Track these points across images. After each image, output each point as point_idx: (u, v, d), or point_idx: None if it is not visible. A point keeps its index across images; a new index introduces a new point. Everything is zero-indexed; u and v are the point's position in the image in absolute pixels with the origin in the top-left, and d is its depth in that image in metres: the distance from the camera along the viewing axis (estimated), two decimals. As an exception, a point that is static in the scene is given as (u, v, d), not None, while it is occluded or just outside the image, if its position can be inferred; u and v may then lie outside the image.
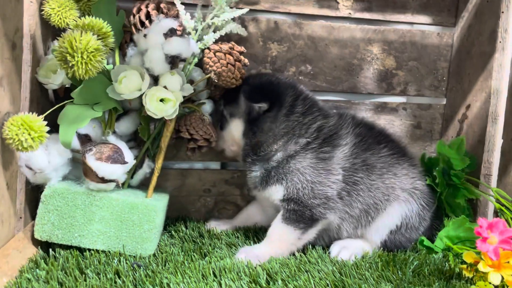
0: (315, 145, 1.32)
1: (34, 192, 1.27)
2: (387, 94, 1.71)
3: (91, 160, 1.17)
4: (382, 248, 1.38)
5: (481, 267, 1.08)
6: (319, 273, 1.16)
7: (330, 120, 1.38)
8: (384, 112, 1.71)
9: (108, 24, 1.18)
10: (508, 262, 1.07)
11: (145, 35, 1.24)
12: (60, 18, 1.21)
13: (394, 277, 1.17)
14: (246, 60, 1.41)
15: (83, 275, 1.07)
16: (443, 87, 1.73)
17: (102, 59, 1.12)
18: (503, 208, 1.27)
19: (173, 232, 1.43)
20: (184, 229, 1.46)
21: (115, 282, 1.04)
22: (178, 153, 1.59)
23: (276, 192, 1.32)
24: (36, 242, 1.22)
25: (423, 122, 1.74)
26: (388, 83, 1.70)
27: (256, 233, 1.47)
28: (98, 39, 1.14)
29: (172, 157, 1.59)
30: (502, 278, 1.08)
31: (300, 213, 1.29)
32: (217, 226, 1.51)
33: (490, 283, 1.07)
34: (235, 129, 1.40)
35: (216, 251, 1.29)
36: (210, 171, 1.63)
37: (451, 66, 1.71)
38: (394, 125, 1.72)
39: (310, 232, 1.32)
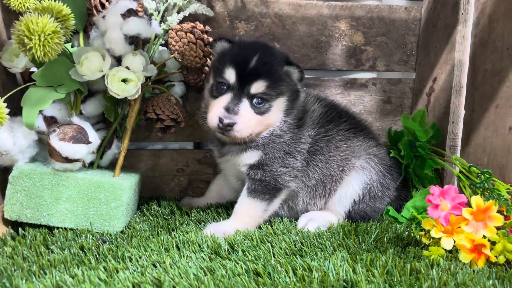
0: (297, 118, 1.37)
1: (4, 174, 1.30)
2: (356, 70, 1.73)
3: (55, 141, 1.20)
4: (347, 219, 1.42)
5: (433, 233, 1.11)
6: (281, 243, 1.19)
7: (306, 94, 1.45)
8: (353, 88, 1.73)
9: (69, 7, 1.20)
10: (460, 227, 1.10)
11: (104, 17, 1.26)
12: (20, 3, 1.22)
13: (355, 245, 1.20)
14: (211, 39, 1.43)
15: (48, 251, 1.11)
16: (412, 61, 1.75)
17: (60, 41, 1.14)
18: (461, 175, 1.30)
19: (145, 210, 1.47)
20: (156, 207, 1.49)
21: (79, 256, 1.07)
22: (150, 134, 1.62)
23: (251, 158, 1.33)
24: (7, 222, 1.25)
25: (393, 97, 1.76)
26: (357, 59, 1.71)
27: (227, 209, 1.50)
28: (57, 22, 1.16)
29: (144, 138, 1.62)
30: (454, 242, 1.11)
31: (265, 184, 1.32)
32: (189, 203, 1.55)
33: (442, 248, 1.10)
34: (277, 108, 1.31)
35: (183, 227, 1.32)
36: (182, 151, 1.66)
37: (419, 40, 1.73)
38: (364, 101, 1.74)
39: (275, 203, 1.36)
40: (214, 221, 1.40)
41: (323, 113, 1.42)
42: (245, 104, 1.26)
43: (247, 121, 1.26)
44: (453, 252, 1.13)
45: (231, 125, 1.24)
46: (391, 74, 1.78)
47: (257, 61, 1.27)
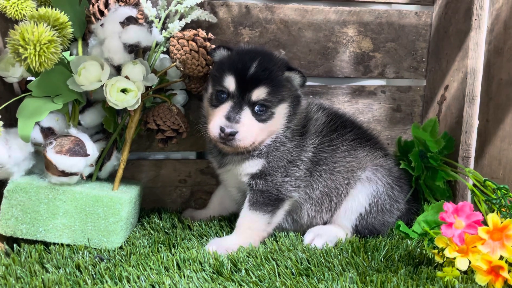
0: (300, 124, 1.32)
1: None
2: (365, 77, 1.67)
3: (51, 154, 1.16)
4: (355, 234, 1.36)
5: (447, 252, 1.05)
6: (287, 261, 1.14)
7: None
8: (362, 96, 1.67)
9: (68, 15, 1.16)
10: (475, 246, 1.04)
11: (102, 25, 1.21)
12: (16, 10, 1.17)
13: (364, 263, 1.15)
14: (213, 46, 1.38)
15: (43, 270, 1.06)
16: (422, 68, 1.69)
17: (57, 50, 1.10)
18: (475, 189, 1.24)
19: (145, 223, 1.42)
20: (157, 220, 1.44)
21: (75, 276, 1.03)
22: (151, 144, 1.57)
23: (253, 166, 1.28)
24: (2, 238, 1.21)
25: (403, 105, 1.70)
26: (365, 66, 1.66)
27: (230, 222, 1.45)
28: (54, 30, 1.12)
29: (145, 148, 1.57)
30: (470, 263, 1.05)
31: (267, 194, 1.27)
32: (192, 216, 1.50)
33: (457, 268, 1.04)
34: (280, 114, 1.27)
35: (185, 243, 1.27)
36: (185, 161, 1.61)
37: (430, 46, 1.67)
38: (373, 109, 1.68)
39: (279, 214, 1.31)
40: (217, 236, 1.35)
41: (326, 121, 1.37)
42: (246, 112, 1.22)
43: (249, 129, 1.21)
44: (469, 273, 1.07)
45: (233, 134, 1.19)
46: (400, 82, 1.72)
47: (257, 68, 1.22)
